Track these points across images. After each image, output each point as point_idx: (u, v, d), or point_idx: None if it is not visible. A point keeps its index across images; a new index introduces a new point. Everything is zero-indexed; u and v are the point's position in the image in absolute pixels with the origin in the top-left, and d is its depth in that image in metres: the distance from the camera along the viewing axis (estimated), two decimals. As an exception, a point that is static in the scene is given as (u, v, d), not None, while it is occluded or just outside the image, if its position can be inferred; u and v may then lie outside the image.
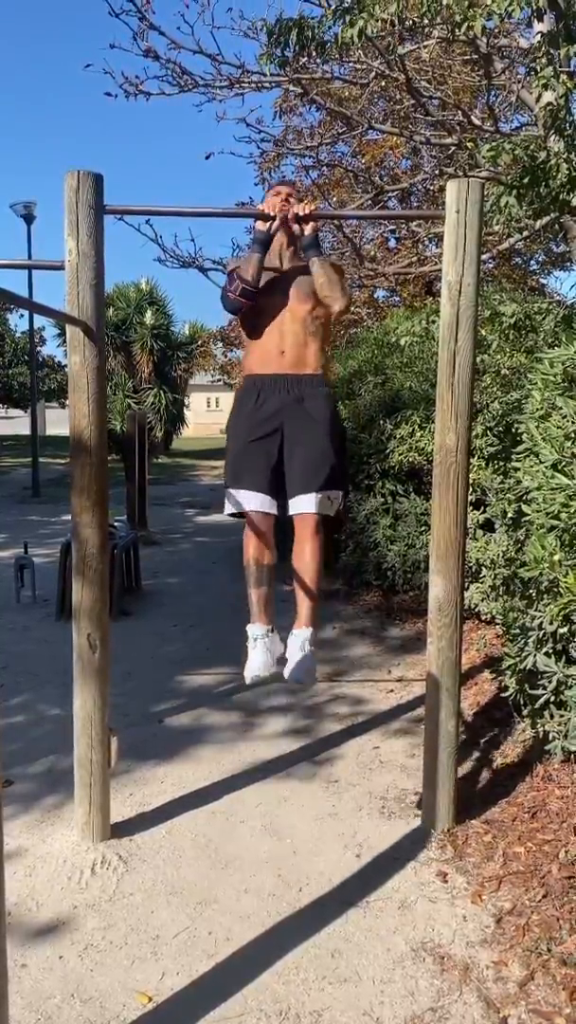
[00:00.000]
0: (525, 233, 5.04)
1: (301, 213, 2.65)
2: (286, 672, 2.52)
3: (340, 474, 2.63)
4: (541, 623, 2.60)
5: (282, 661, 2.62)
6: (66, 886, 2.47)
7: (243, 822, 2.85)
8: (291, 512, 2.60)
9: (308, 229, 2.65)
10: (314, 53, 4.11)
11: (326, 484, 2.55)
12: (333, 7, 3.91)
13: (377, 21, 3.53)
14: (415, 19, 3.66)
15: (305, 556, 2.60)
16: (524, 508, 2.61)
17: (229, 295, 2.69)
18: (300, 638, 2.56)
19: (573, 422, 2.41)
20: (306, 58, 4.35)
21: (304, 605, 2.61)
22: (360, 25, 3.56)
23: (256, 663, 2.53)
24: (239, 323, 2.82)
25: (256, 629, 2.58)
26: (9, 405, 30.90)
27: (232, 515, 2.72)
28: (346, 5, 3.78)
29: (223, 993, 2.02)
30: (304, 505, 2.55)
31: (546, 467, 2.41)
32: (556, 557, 2.24)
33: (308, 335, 2.64)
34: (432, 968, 2.11)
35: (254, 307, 2.69)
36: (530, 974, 2.05)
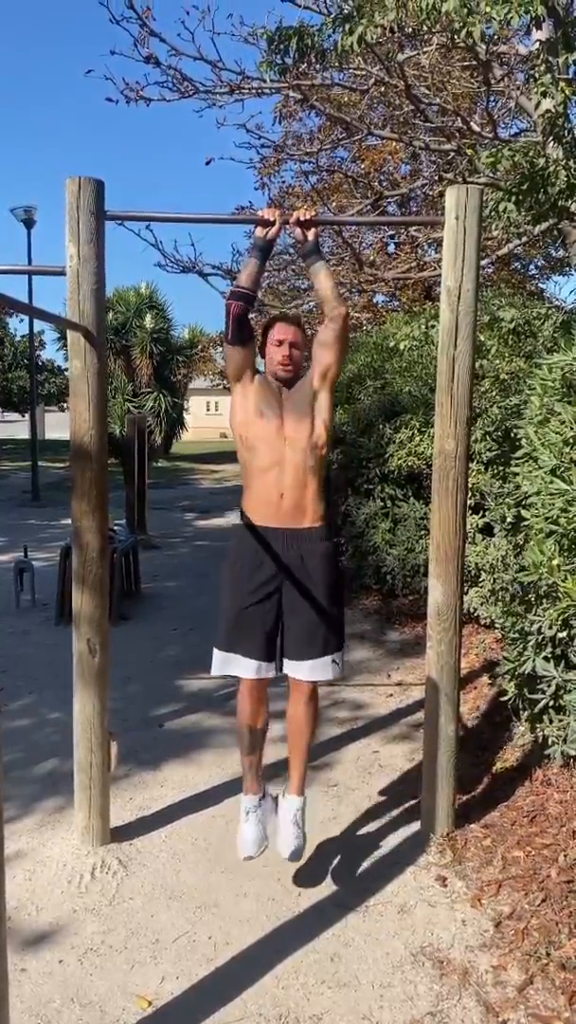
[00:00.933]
0: (524, 238, 5.06)
1: (302, 218, 2.66)
2: (276, 846, 2.49)
3: (337, 635, 2.52)
4: (540, 627, 2.60)
5: (273, 821, 2.57)
6: (66, 890, 2.47)
7: (243, 826, 2.85)
8: (286, 671, 2.51)
9: (310, 235, 2.66)
10: (314, 60, 4.12)
11: (323, 650, 2.46)
12: (333, 16, 3.92)
13: (377, 28, 3.54)
14: (414, 27, 3.68)
15: (299, 722, 2.53)
16: (523, 513, 2.61)
17: (226, 302, 2.62)
18: (291, 809, 2.51)
19: (572, 428, 2.42)
20: (306, 65, 4.36)
21: (295, 772, 2.55)
22: (359, 32, 3.57)
23: (249, 840, 2.48)
24: (237, 447, 2.57)
25: (249, 801, 2.54)
26: (8, 409, 30.93)
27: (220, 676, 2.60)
28: (346, 13, 3.80)
29: (223, 997, 2.02)
30: (300, 672, 2.47)
31: (545, 472, 2.42)
32: (555, 562, 2.25)
33: (308, 470, 2.45)
34: (431, 972, 2.11)
35: (253, 435, 2.49)
36: (529, 978, 2.05)
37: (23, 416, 31.13)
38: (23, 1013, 1.96)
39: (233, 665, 2.47)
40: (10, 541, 8.60)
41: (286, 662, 2.49)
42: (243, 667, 2.45)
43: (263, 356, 2.62)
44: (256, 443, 2.48)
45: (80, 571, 2.63)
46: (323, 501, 2.51)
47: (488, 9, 3.31)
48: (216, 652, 2.50)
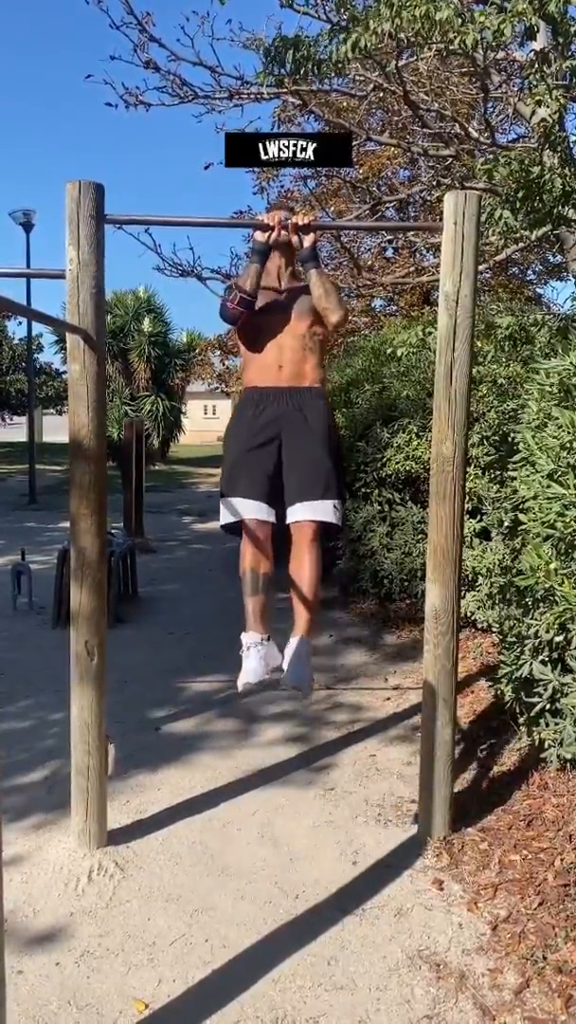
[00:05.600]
0: (521, 244, 5.08)
1: (300, 223, 2.68)
2: (283, 676, 2.53)
3: (337, 483, 2.63)
4: (537, 631, 2.61)
5: (278, 671, 2.62)
6: (63, 893, 2.47)
7: (240, 829, 2.86)
8: (288, 520, 2.59)
9: (307, 240, 2.67)
10: (311, 71, 4.14)
11: (324, 493, 2.55)
12: (329, 28, 3.94)
13: (372, 35, 3.56)
14: (410, 37, 3.70)
15: (303, 565, 2.60)
16: (520, 517, 2.63)
17: (227, 304, 2.71)
18: (297, 646, 2.58)
19: (569, 432, 2.44)
20: (302, 75, 4.38)
21: (301, 614, 2.61)
22: (354, 39, 3.59)
23: (248, 670, 2.52)
24: (238, 339, 2.84)
25: (250, 638, 2.57)
26: (7, 412, 30.90)
27: (226, 528, 2.67)
28: (342, 23, 3.82)
29: (219, 1000, 2.02)
30: (302, 513, 2.55)
31: (542, 477, 2.43)
32: (552, 566, 2.26)
33: (306, 350, 2.67)
34: (428, 976, 2.11)
35: (253, 324, 2.72)
36: (525, 982, 2.06)
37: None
38: (20, 1016, 1.96)
39: (236, 507, 2.56)
40: (7, 544, 8.59)
41: (288, 512, 2.60)
42: (245, 507, 2.57)
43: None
44: (256, 333, 2.71)
45: (78, 573, 2.63)
46: (321, 369, 2.75)
47: (482, 19, 3.34)
48: (222, 502, 2.63)
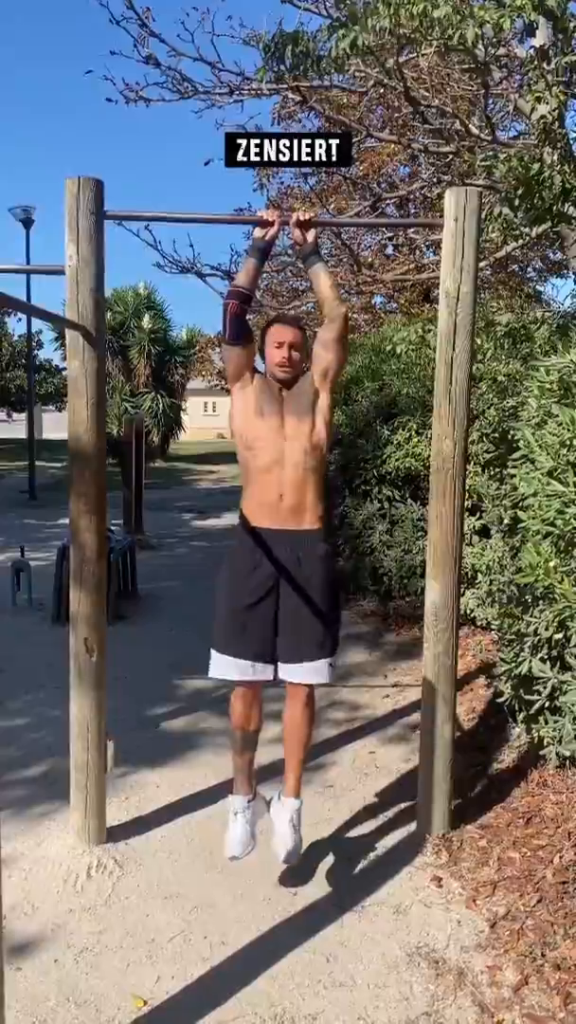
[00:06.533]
0: (521, 241, 5.07)
1: (301, 219, 2.66)
2: (272, 848, 2.47)
3: (333, 638, 2.53)
4: (536, 629, 2.61)
5: (264, 814, 2.56)
6: (62, 890, 2.47)
7: (239, 826, 2.85)
8: (282, 676, 2.50)
9: (309, 236, 2.66)
10: (310, 67, 4.11)
11: (319, 653, 2.46)
12: (328, 24, 3.92)
13: (370, 33, 3.54)
14: (408, 34, 3.68)
15: (297, 725, 2.53)
16: (520, 514, 2.62)
17: (224, 304, 2.61)
18: (288, 811, 2.49)
19: (569, 430, 2.43)
20: (301, 71, 4.35)
21: (292, 775, 2.54)
22: (352, 37, 3.57)
23: (235, 840, 2.46)
24: (235, 436, 2.56)
25: (238, 802, 2.52)
26: (7, 408, 30.91)
27: (216, 678, 2.56)
28: (342, 19, 3.80)
29: (218, 997, 2.02)
30: (296, 675, 2.47)
31: (542, 474, 2.43)
32: (551, 563, 2.25)
33: (308, 470, 2.44)
34: (427, 973, 2.12)
35: (253, 428, 2.48)
36: (524, 979, 2.06)
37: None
38: (19, 1012, 1.96)
39: (228, 667, 2.46)
40: (7, 541, 8.58)
41: (281, 666, 2.48)
42: (237, 668, 2.45)
43: (263, 357, 2.61)
44: (256, 442, 2.46)
45: (78, 571, 2.63)
46: (322, 502, 2.51)
47: (481, 13, 3.33)
48: (213, 654, 2.49)
